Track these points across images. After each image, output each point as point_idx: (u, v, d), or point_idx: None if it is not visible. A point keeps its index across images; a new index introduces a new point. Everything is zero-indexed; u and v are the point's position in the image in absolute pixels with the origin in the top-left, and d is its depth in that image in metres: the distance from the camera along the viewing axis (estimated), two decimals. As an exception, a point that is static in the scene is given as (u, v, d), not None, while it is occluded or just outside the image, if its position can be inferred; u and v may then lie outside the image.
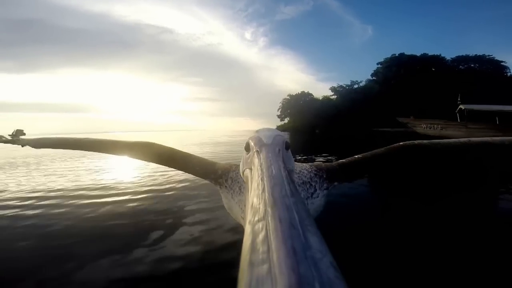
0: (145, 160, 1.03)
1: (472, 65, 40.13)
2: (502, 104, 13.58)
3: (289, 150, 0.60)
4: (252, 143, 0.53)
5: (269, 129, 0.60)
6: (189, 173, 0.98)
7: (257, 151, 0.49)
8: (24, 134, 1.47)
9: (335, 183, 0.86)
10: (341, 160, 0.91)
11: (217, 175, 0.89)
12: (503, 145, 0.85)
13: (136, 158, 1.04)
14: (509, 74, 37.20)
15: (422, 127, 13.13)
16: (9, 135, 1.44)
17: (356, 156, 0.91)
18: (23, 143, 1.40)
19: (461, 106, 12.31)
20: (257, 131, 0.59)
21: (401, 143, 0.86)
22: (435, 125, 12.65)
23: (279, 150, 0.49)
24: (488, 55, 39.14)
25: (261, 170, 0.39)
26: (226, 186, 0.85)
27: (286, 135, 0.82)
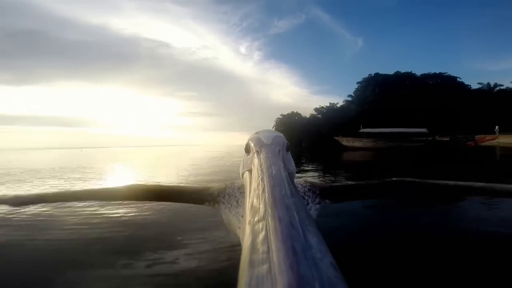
0: (136, 200, 0.98)
1: (438, 81, 47.22)
2: (465, 113, 27.11)
3: (289, 152, 0.61)
4: (252, 144, 0.54)
5: (269, 130, 0.60)
6: (185, 202, 1.01)
7: (257, 151, 0.49)
8: None
9: (327, 201, 0.92)
10: (334, 183, 1.01)
11: (214, 196, 0.92)
12: (484, 189, 0.93)
13: (127, 200, 0.98)
14: (468, 87, 44.03)
15: (344, 141, 21.65)
16: None
17: (350, 182, 1.01)
18: None
19: (361, 130, 21.06)
20: (257, 132, 0.59)
21: (393, 178, 0.93)
22: (350, 140, 21.18)
23: (279, 150, 0.50)
24: (444, 72, 46.58)
25: (261, 170, 0.39)
26: (223, 202, 0.88)
27: None
